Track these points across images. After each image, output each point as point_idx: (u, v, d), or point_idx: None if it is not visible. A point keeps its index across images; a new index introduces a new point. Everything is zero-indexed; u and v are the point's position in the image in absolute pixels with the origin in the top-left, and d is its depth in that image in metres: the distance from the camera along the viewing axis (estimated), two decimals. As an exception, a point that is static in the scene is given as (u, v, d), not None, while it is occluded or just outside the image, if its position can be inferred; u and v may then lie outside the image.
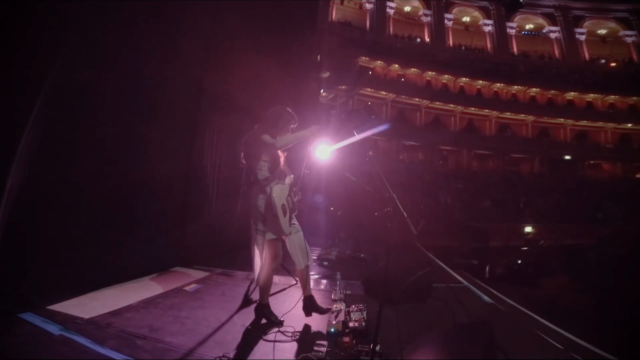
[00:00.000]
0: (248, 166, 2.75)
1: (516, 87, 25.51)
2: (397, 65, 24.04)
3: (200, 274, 4.04)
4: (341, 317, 2.70)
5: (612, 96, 25.48)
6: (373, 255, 5.85)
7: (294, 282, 3.86)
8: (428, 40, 26.28)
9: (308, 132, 2.72)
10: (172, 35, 3.95)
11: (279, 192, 2.64)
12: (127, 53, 3.32)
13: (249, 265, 4.18)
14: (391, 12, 25.92)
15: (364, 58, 23.34)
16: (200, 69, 4.61)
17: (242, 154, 2.78)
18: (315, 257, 5.48)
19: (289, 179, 2.88)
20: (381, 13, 25.41)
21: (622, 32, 26.38)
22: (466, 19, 27.24)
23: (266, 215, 2.64)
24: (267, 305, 2.82)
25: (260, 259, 2.73)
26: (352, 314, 2.76)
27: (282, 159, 2.81)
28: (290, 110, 2.82)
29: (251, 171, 2.71)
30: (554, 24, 26.94)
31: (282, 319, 2.79)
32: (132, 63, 3.40)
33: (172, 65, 3.99)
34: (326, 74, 19.15)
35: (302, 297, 2.93)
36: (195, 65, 4.52)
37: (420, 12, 26.49)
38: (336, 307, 2.88)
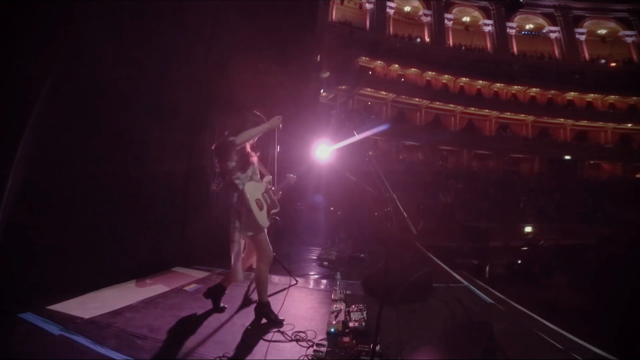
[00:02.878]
0: (221, 169, 2.79)
1: (516, 87, 25.45)
2: (397, 65, 23.98)
3: (200, 274, 4.05)
4: (341, 317, 2.70)
5: (612, 96, 25.41)
6: (373, 255, 5.84)
7: (294, 282, 3.86)
8: (428, 40, 26.23)
9: (268, 124, 2.78)
10: (173, 36, 3.96)
11: (251, 188, 2.69)
12: (127, 53, 3.33)
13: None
14: (391, 12, 25.87)
15: (364, 58, 23.28)
16: (201, 69, 4.61)
17: (215, 160, 2.81)
18: (315, 257, 5.48)
19: (267, 179, 2.95)
20: (381, 13, 25.35)
21: (622, 32, 26.33)
22: (466, 19, 27.19)
23: (241, 211, 2.66)
24: (268, 304, 2.83)
25: (238, 255, 2.70)
26: (352, 314, 2.76)
27: (254, 158, 2.84)
28: (258, 114, 2.86)
29: (224, 173, 2.75)
30: (554, 24, 26.89)
31: (282, 319, 2.79)
32: (133, 63, 3.40)
33: (173, 65, 3.99)
34: (326, 74, 19.13)
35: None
36: (197, 66, 4.52)
37: (420, 12, 26.45)
38: (336, 307, 2.88)
